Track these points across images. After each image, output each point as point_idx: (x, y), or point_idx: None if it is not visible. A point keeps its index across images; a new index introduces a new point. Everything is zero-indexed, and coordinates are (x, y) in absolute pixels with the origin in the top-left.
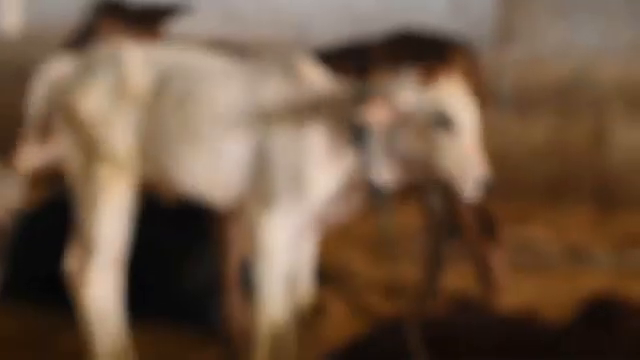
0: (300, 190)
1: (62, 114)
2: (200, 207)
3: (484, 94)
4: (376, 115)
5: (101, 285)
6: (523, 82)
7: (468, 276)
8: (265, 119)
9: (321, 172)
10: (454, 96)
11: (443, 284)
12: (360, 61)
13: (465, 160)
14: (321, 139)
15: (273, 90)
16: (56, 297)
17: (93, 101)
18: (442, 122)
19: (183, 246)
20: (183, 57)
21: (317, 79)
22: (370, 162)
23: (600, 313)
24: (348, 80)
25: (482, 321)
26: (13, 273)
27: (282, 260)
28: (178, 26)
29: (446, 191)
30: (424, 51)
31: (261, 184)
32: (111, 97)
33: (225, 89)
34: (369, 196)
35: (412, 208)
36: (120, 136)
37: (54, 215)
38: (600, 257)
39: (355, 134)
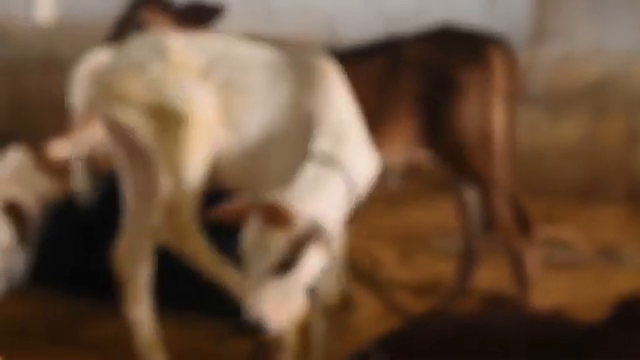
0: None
1: (111, 99)
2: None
3: (519, 91)
4: None
5: (144, 273)
6: (556, 81)
7: (501, 274)
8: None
9: None
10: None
11: (476, 281)
12: (394, 56)
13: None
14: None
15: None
16: (82, 288)
17: (144, 78)
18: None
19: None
20: (228, 45)
21: (335, 90)
22: None
23: (632, 313)
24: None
25: (513, 319)
26: (40, 262)
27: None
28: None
29: (482, 187)
30: (461, 46)
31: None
32: (162, 73)
33: (261, 82)
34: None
35: (447, 204)
36: (178, 89)
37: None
38: (632, 257)
39: None
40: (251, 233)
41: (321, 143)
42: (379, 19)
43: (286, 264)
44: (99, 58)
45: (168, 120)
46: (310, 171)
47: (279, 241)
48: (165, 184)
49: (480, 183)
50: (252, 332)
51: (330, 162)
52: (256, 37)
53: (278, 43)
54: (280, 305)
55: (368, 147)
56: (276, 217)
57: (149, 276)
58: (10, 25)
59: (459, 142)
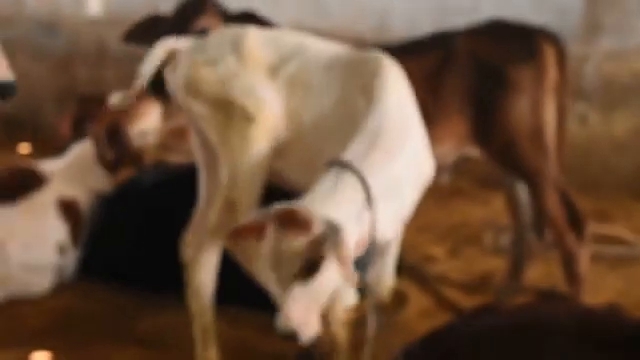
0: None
1: (188, 84)
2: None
3: (569, 84)
4: None
5: (212, 270)
6: (609, 75)
7: (554, 271)
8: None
9: None
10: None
11: (528, 278)
12: (445, 51)
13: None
14: None
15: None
16: (130, 281)
17: (218, 70)
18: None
19: None
20: (301, 42)
21: (378, 97)
22: None
23: None
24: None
25: (564, 312)
26: (89, 255)
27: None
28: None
29: (533, 184)
30: (512, 40)
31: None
32: (235, 67)
33: (317, 80)
34: None
35: (498, 200)
36: (244, 90)
37: (133, 199)
38: None
39: None
40: (271, 244)
41: (350, 152)
42: (430, 14)
43: (309, 269)
44: (178, 44)
45: (235, 116)
46: (330, 175)
47: (299, 246)
48: (224, 179)
49: (531, 179)
50: (286, 339)
51: (351, 168)
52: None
53: (328, 37)
54: (308, 310)
55: (424, 147)
56: (294, 221)
57: (215, 266)
58: (61, 17)
59: (510, 138)
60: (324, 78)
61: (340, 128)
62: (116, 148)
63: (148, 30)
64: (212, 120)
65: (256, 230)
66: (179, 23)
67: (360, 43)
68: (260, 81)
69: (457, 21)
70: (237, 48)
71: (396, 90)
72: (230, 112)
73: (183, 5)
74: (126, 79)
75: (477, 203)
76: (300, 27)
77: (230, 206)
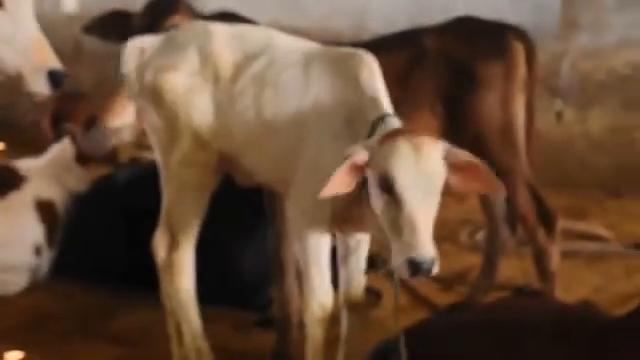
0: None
1: (149, 90)
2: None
3: (539, 81)
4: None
5: (188, 266)
6: (585, 73)
7: (528, 268)
8: (311, 110)
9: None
10: (404, 158)
11: (502, 275)
12: (415, 48)
13: (400, 234)
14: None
15: (326, 85)
16: (105, 279)
17: (179, 78)
18: (384, 185)
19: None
20: (269, 38)
21: (367, 87)
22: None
23: None
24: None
25: (539, 308)
26: (64, 253)
27: (322, 247)
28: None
29: (503, 180)
30: (481, 37)
31: (300, 171)
32: (197, 74)
33: (293, 76)
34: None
35: (476, 197)
36: (201, 114)
37: (107, 197)
38: None
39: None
40: (406, 162)
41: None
42: (407, 12)
43: None
44: (147, 43)
45: (178, 143)
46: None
47: (437, 166)
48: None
49: (501, 175)
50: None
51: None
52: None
53: (306, 35)
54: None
55: None
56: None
57: (191, 266)
58: (36, 14)
59: (480, 134)
60: (299, 75)
61: (324, 122)
62: (93, 143)
63: (110, 25)
64: (160, 140)
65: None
66: (149, 21)
67: (337, 41)
68: (208, 95)
69: (434, 19)
70: (202, 48)
71: (380, 86)
72: (177, 136)
73: (153, 3)
74: (101, 77)
75: (453, 200)
76: (278, 26)
77: (168, 214)
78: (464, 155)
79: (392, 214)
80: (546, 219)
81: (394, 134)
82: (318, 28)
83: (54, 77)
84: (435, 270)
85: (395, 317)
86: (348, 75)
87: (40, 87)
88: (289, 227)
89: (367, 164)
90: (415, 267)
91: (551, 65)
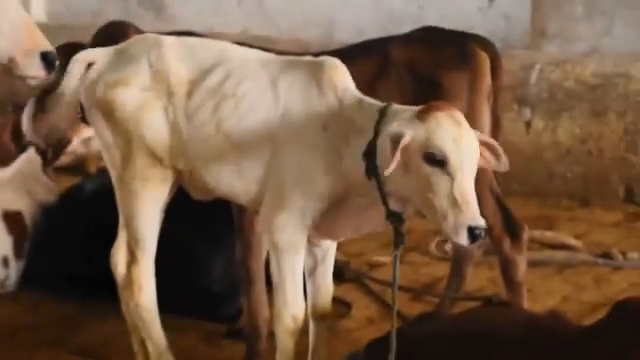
0: (310, 190)
1: (99, 105)
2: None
3: (501, 91)
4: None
5: (148, 281)
6: (554, 82)
7: (497, 278)
8: (283, 120)
9: (326, 178)
10: (450, 132)
11: (471, 285)
12: (380, 57)
13: (455, 205)
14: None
15: (297, 94)
16: (75, 290)
17: (131, 93)
18: (433, 160)
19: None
20: (224, 51)
21: (344, 91)
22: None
23: (628, 315)
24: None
25: (509, 318)
26: (30, 264)
27: (297, 258)
28: (212, 24)
29: None
30: (446, 46)
31: (275, 183)
32: (149, 89)
33: (255, 87)
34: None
35: None
36: (154, 131)
37: (74, 208)
38: (630, 259)
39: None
40: (453, 136)
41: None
42: (376, 23)
43: None
44: (96, 57)
45: (128, 149)
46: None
47: (475, 139)
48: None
49: None
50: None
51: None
52: (253, 39)
53: (276, 45)
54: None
55: None
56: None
57: (151, 281)
58: None
59: None
60: (262, 87)
61: (300, 133)
62: (54, 148)
63: (63, 58)
64: (112, 156)
65: None
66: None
67: (306, 51)
68: (162, 110)
69: (403, 30)
70: (154, 62)
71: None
72: (128, 144)
73: (102, 30)
74: None
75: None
76: (247, 36)
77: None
78: (482, 136)
79: (444, 186)
80: (512, 229)
81: (430, 110)
82: (288, 39)
83: (47, 59)
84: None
85: (393, 308)
86: (322, 83)
87: (35, 70)
88: (258, 238)
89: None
90: (475, 235)
91: (520, 74)
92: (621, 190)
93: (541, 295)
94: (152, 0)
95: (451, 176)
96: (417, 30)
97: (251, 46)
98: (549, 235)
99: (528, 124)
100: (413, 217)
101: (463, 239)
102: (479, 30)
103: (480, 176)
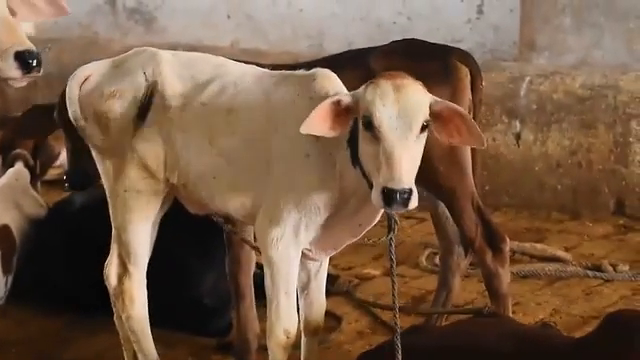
0: (304, 203)
1: (96, 118)
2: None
3: (481, 102)
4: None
5: (140, 294)
6: (543, 94)
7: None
8: (276, 133)
9: (322, 188)
10: (383, 97)
11: (460, 297)
12: (361, 68)
13: (379, 168)
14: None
15: (289, 108)
16: (64, 305)
17: (124, 106)
18: (368, 125)
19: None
20: (218, 67)
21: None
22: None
23: (618, 328)
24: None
25: (498, 331)
26: (22, 279)
27: (291, 273)
28: (202, 37)
29: (449, 203)
30: (426, 59)
31: (268, 197)
32: (144, 101)
33: (248, 102)
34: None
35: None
36: (148, 144)
37: (63, 222)
38: (620, 272)
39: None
40: (384, 98)
41: None
42: (365, 35)
43: None
44: (94, 70)
45: (121, 163)
46: None
47: (417, 103)
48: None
49: (446, 198)
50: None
51: None
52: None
53: (265, 57)
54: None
55: None
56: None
57: (143, 293)
58: None
59: (426, 155)
60: (256, 101)
61: (293, 145)
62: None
63: (32, 121)
64: (106, 168)
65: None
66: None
67: (294, 62)
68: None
69: (395, 39)
70: (150, 75)
71: None
72: (123, 164)
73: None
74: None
75: (413, 223)
76: (238, 48)
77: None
78: (449, 104)
79: (372, 150)
80: (493, 241)
81: (378, 77)
82: (277, 51)
83: (21, 58)
84: (412, 204)
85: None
86: (314, 93)
87: (10, 71)
88: (247, 253)
89: (352, 109)
90: (389, 197)
91: (509, 86)
92: (611, 202)
93: (531, 308)
94: (142, 13)
95: (378, 139)
96: (399, 42)
97: (240, 60)
98: (539, 247)
99: (518, 136)
100: (402, 231)
101: (378, 201)
102: (468, 42)
103: (461, 188)
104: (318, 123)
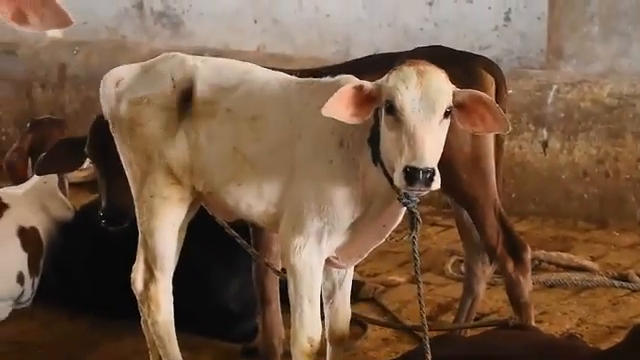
0: (327, 210)
1: (122, 121)
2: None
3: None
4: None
5: (166, 299)
6: (571, 102)
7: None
8: (300, 140)
9: (346, 193)
10: (406, 80)
11: (487, 306)
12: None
13: (402, 151)
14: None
15: (313, 114)
16: (90, 308)
17: (153, 111)
18: (390, 109)
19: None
20: (246, 73)
21: None
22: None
23: None
24: None
25: (523, 341)
26: (48, 281)
27: (314, 280)
28: (228, 42)
29: (472, 211)
30: (452, 66)
31: (292, 205)
32: (171, 108)
33: (273, 109)
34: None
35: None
36: (175, 150)
37: (90, 224)
38: None
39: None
40: (407, 82)
41: None
42: (392, 41)
43: None
44: (125, 74)
45: (148, 168)
46: None
47: (440, 87)
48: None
49: (469, 206)
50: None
51: None
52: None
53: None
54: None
55: None
56: None
57: (169, 298)
58: (20, 39)
59: (450, 163)
60: (279, 107)
61: (316, 151)
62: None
63: (61, 155)
64: (133, 173)
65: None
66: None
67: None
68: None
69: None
70: (179, 81)
71: None
72: (150, 170)
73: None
74: (85, 102)
75: (439, 230)
76: (264, 53)
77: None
78: (472, 92)
79: (395, 135)
80: (515, 250)
81: (401, 64)
82: (304, 56)
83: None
84: (435, 185)
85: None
86: None
87: None
88: (274, 258)
89: (375, 97)
90: (412, 176)
91: (536, 94)
92: (638, 212)
93: (558, 317)
94: (169, 17)
95: (401, 122)
96: (424, 48)
97: (267, 65)
98: (565, 257)
99: (545, 144)
100: (428, 238)
101: (400, 180)
102: (495, 49)
103: (484, 196)
104: (339, 107)
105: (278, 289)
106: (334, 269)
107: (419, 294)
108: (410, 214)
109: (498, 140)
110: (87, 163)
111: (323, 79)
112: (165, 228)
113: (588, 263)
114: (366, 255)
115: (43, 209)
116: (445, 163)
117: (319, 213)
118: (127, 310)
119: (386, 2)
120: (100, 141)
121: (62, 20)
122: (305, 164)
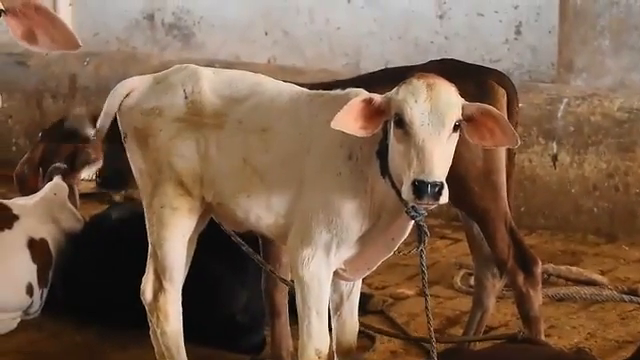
0: (336, 223)
1: (134, 132)
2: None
3: (517, 124)
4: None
5: (175, 310)
6: (581, 116)
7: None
8: (309, 153)
9: (354, 206)
10: (415, 94)
11: (495, 319)
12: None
13: (410, 164)
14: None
15: (322, 127)
16: (99, 319)
17: (163, 123)
18: (399, 122)
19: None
20: (255, 84)
21: None
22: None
23: None
24: None
25: (531, 355)
26: (57, 291)
27: (322, 292)
28: (239, 53)
29: (483, 224)
30: (464, 79)
31: (301, 216)
32: (182, 120)
33: (282, 121)
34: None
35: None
36: (185, 162)
37: (99, 236)
38: None
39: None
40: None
41: None
42: (402, 53)
43: None
44: (135, 85)
45: (158, 178)
46: None
47: (449, 101)
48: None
49: (480, 219)
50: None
51: None
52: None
53: (303, 74)
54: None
55: None
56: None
57: (178, 309)
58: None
59: (461, 176)
60: (288, 119)
61: (325, 163)
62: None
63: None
64: (144, 183)
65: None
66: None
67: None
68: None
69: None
70: (190, 93)
71: None
72: (161, 180)
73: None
74: (96, 112)
75: (448, 243)
76: (275, 66)
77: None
78: (481, 106)
79: (404, 148)
80: (525, 263)
81: (411, 77)
82: (314, 68)
83: None
84: (443, 199)
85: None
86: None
87: None
88: (283, 270)
89: (384, 110)
90: (420, 189)
91: (546, 108)
92: None
93: (566, 331)
94: (180, 28)
95: (410, 135)
96: (436, 61)
97: (277, 77)
98: (575, 271)
99: (554, 158)
100: (437, 251)
101: (409, 194)
102: (506, 62)
103: (495, 209)
104: (348, 120)
105: (287, 302)
106: (342, 281)
107: (427, 307)
108: (418, 227)
109: (510, 154)
110: (92, 174)
111: (333, 92)
112: (175, 239)
113: (597, 277)
114: (374, 268)
115: (53, 220)
116: (457, 176)
117: (327, 225)
118: (137, 320)
119: (397, 15)
120: None
121: (70, 42)
122: (314, 176)
